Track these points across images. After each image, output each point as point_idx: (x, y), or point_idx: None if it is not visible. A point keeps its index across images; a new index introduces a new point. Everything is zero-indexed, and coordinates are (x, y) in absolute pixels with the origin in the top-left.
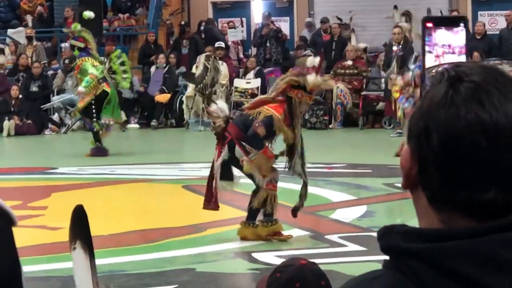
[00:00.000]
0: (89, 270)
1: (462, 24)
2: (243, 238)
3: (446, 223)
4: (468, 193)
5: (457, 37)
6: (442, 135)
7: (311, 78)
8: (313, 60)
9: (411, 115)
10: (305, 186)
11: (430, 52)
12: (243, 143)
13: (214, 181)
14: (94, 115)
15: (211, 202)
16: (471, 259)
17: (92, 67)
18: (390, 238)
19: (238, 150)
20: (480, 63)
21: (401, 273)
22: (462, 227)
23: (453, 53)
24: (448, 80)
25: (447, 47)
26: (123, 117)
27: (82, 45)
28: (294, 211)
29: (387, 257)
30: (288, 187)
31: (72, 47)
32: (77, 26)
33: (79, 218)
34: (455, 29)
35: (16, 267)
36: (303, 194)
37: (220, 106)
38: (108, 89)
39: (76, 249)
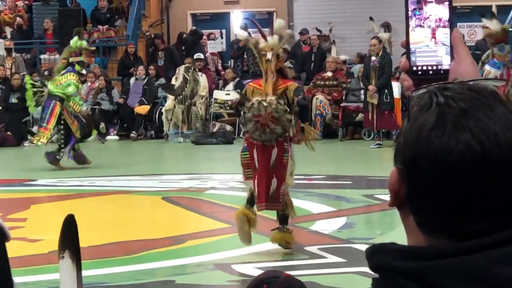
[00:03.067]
0: (75, 281)
1: None
2: (284, 245)
3: (434, 244)
4: (459, 223)
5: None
6: (432, 167)
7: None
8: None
9: (398, 136)
10: None
11: (421, 26)
12: None
13: (277, 179)
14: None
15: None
16: (464, 277)
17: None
18: (380, 256)
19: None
20: (467, 85)
21: None
22: (452, 245)
23: (444, 27)
24: (437, 107)
25: (438, 21)
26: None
27: (86, 59)
28: None
29: (368, 269)
30: None
31: (72, 63)
32: (83, 43)
33: (70, 228)
34: (445, 2)
35: (9, 281)
36: None
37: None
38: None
39: (64, 258)
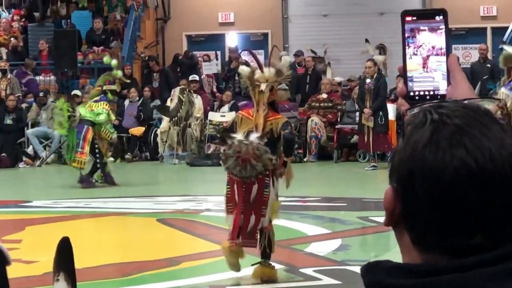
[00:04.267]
0: None
1: (441, 17)
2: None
3: (429, 262)
4: (455, 239)
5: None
6: (427, 183)
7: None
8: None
9: (392, 155)
10: None
11: (415, 54)
12: None
13: (255, 216)
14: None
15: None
16: None
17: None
18: (376, 274)
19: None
20: (461, 103)
21: None
22: (446, 262)
23: (437, 54)
24: (432, 124)
25: (431, 49)
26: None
27: (118, 88)
28: None
29: None
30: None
31: (105, 91)
32: (119, 73)
33: (64, 250)
34: (438, 31)
35: None
36: None
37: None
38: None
39: (59, 281)
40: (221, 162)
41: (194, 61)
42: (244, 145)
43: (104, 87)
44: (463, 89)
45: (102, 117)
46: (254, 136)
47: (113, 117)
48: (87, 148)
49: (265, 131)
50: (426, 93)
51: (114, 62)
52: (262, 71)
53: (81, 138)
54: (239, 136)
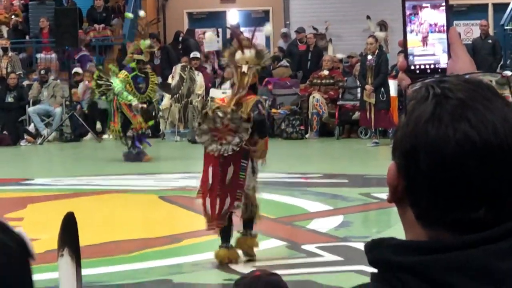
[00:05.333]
0: (74, 278)
1: None
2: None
3: (433, 239)
4: (458, 213)
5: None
6: (430, 157)
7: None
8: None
9: (395, 131)
10: None
11: (415, 31)
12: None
13: (230, 198)
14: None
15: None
16: (464, 272)
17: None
18: (380, 251)
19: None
20: (463, 78)
21: (391, 287)
22: (452, 239)
23: (439, 31)
24: (434, 98)
25: (433, 26)
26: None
27: (146, 58)
28: None
29: (365, 267)
30: (268, 198)
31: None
32: (145, 43)
33: (69, 226)
34: (440, 8)
35: None
36: None
37: None
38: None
39: (64, 256)
40: (196, 137)
41: (188, 44)
42: (219, 118)
43: (134, 56)
44: (463, 63)
45: (116, 87)
46: (226, 108)
47: (129, 84)
48: (117, 117)
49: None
50: (427, 66)
51: (143, 42)
52: (242, 52)
53: (113, 108)
54: (214, 106)
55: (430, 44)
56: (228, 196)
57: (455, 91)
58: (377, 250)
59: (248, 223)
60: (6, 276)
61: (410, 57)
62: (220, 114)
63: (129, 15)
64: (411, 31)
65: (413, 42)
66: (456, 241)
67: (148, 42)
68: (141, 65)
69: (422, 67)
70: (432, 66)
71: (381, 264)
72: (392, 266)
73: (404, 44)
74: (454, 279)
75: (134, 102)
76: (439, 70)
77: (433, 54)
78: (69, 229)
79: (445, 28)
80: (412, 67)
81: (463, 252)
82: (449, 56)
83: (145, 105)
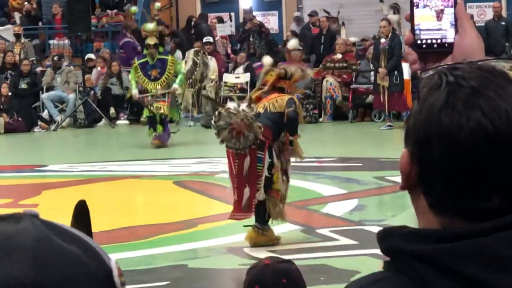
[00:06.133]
0: None
1: None
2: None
3: (445, 226)
4: (471, 202)
5: None
6: (443, 145)
7: (293, 69)
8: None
9: (407, 118)
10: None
11: (428, 6)
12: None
13: (250, 189)
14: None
15: (242, 211)
16: (477, 260)
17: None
18: (392, 240)
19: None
20: (476, 65)
21: (405, 276)
22: (465, 227)
23: (447, 6)
24: (447, 87)
25: (446, 1)
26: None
27: (152, 41)
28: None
29: (379, 251)
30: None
31: (156, 46)
32: (148, 26)
33: (81, 213)
34: None
35: None
36: None
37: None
38: None
39: None
40: (215, 135)
41: (201, 29)
42: (234, 115)
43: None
44: (471, 38)
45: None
46: (242, 105)
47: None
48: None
49: (257, 105)
50: (434, 41)
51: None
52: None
53: None
54: (227, 105)
55: (444, 19)
56: (246, 186)
57: (468, 79)
58: (389, 239)
59: (262, 217)
60: None
61: (417, 31)
62: (232, 111)
63: (134, 9)
64: (424, 6)
65: (426, 17)
66: (468, 229)
67: (150, 25)
68: (152, 49)
69: (429, 41)
70: (439, 41)
71: (393, 253)
72: (404, 255)
73: (411, 16)
74: (466, 267)
75: (133, 91)
76: (446, 44)
77: (440, 29)
78: (81, 216)
79: (452, 3)
80: (419, 42)
81: (475, 240)
82: (456, 31)
83: (148, 96)
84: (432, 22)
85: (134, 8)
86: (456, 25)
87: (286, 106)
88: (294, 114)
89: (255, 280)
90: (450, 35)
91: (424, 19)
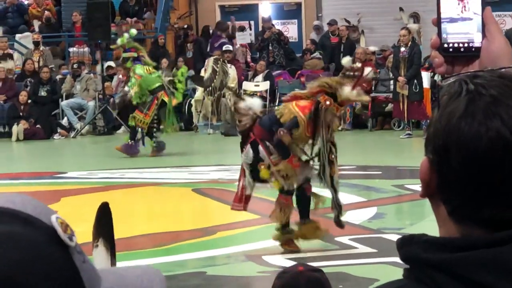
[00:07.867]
0: None
1: None
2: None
3: (465, 235)
4: (491, 211)
5: None
6: (463, 155)
7: (346, 90)
8: (348, 61)
9: (428, 126)
10: (333, 196)
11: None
12: (267, 144)
13: (241, 180)
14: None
15: (238, 202)
16: (493, 269)
17: (141, 69)
18: (411, 248)
19: (261, 151)
20: (498, 72)
21: (423, 284)
22: (482, 236)
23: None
24: (467, 95)
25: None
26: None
27: (135, 55)
28: (337, 223)
29: (398, 259)
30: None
31: (124, 60)
32: (124, 39)
33: (104, 216)
34: None
35: None
36: (333, 204)
37: (250, 103)
38: (165, 98)
39: (98, 247)
40: (238, 133)
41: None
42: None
43: (123, 55)
44: (499, 43)
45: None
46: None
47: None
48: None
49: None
50: (461, 45)
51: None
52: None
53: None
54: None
55: (468, 10)
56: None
57: (488, 87)
58: (408, 247)
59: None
60: (23, 273)
61: (444, 35)
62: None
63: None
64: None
65: (451, 5)
66: (484, 238)
67: (128, 35)
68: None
69: (456, 45)
70: (466, 45)
71: (411, 261)
72: (421, 263)
73: (438, 20)
74: (481, 277)
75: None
76: (473, 48)
77: (467, 33)
78: (104, 219)
79: (480, 7)
80: (446, 45)
81: (491, 250)
82: (484, 35)
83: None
84: (458, 15)
85: (133, 31)
86: (483, 29)
87: (285, 122)
88: (278, 139)
89: (288, 285)
90: (477, 40)
91: (449, 8)
